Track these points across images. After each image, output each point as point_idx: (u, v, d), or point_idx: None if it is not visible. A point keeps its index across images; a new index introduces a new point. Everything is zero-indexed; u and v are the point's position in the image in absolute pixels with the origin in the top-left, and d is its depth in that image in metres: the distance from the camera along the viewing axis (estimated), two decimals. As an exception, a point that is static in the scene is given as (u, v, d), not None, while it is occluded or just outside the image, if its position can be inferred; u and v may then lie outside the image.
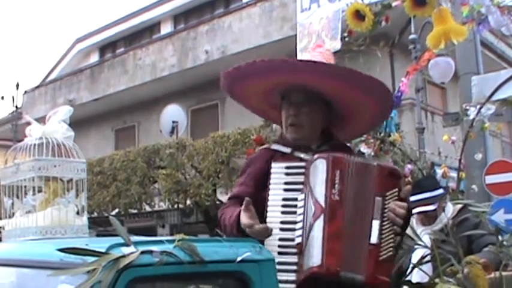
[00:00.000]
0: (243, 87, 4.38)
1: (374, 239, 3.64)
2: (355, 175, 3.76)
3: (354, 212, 3.72)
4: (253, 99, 4.48)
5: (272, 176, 3.95)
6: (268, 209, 3.88)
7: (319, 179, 3.78)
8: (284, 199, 3.86)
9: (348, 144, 4.82)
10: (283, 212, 3.84)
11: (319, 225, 3.71)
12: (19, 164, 3.89)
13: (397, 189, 3.73)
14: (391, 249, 3.66)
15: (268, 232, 3.66)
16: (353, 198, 3.74)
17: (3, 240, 3.96)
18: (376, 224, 3.67)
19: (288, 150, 4.16)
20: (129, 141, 26.79)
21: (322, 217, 3.71)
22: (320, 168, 3.81)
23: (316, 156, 3.88)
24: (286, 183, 3.90)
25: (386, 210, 3.68)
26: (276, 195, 3.90)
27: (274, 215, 3.86)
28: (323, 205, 3.73)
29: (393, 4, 6.25)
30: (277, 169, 3.96)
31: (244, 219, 3.70)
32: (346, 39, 7.08)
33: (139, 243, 2.94)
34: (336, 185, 3.74)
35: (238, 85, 4.38)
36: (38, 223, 3.75)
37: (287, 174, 3.92)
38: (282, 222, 3.81)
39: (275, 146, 4.29)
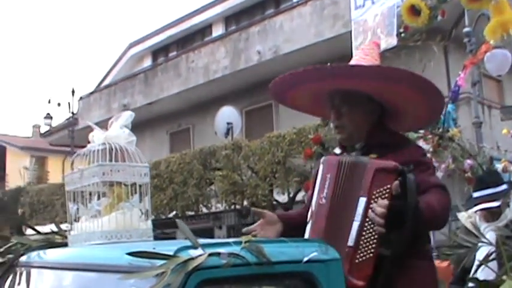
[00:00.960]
0: (290, 96, 4.49)
1: (351, 241, 3.64)
2: (345, 177, 3.81)
3: (338, 215, 3.76)
4: (305, 103, 4.53)
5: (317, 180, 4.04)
6: (309, 212, 4.00)
7: (317, 183, 3.93)
8: None
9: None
10: None
11: (308, 229, 3.86)
12: (83, 169, 3.92)
13: (388, 186, 3.65)
14: (371, 251, 3.61)
15: None
16: (339, 200, 3.79)
17: (69, 245, 4.00)
18: (355, 225, 3.66)
19: (339, 152, 4.24)
20: (184, 144, 26.91)
21: (311, 221, 3.87)
22: (319, 172, 3.95)
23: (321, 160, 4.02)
24: None
25: (371, 211, 3.64)
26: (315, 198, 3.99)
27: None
28: (313, 209, 3.88)
29: (449, -3, 6.20)
30: (319, 174, 4.05)
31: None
32: (402, 35, 7.03)
33: (207, 245, 2.95)
34: (325, 189, 3.83)
35: (283, 95, 4.49)
36: (103, 227, 3.79)
37: None
38: None
39: (336, 149, 4.36)
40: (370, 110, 4.12)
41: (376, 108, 4.14)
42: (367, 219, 3.63)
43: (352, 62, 4.26)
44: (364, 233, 3.63)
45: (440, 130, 8.23)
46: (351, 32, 7.75)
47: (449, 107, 8.44)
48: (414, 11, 6.07)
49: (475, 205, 6.00)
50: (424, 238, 3.92)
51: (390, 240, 3.60)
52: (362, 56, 4.30)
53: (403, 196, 3.60)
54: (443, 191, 3.86)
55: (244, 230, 4.07)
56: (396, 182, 3.62)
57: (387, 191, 3.64)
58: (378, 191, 3.66)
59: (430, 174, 3.94)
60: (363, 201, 3.66)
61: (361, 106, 4.11)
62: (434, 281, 4.00)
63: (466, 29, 16.53)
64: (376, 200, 3.63)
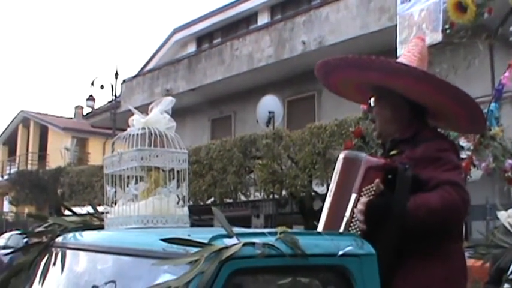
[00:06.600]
0: (332, 82, 4.48)
1: None
2: (345, 173, 3.88)
3: (336, 210, 3.84)
4: (349, 90, 4.51)
5: None
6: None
7: None
8: None
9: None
10: None
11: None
12: (122, 153, 3.94)
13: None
14: None
15: None
16: (338, 195, 3.88)
17: (106, 228, 4.02)
18: (344, 220, 3.73)
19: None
20: (225, 131, 26.90)
21: (322, 215, 3.97)
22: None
23: None
24: None
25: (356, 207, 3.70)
26: None
27: None
28: (325, 203, 3.99)
29: (496, -5, 6.13)
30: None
31: None
32: (448, 31, 6.95)
33: (242, 234, 2.95)
34: (333, 183, 3.94)
35: (329, 78, 4.45)
36: (139, 212, 3.80)
37: None
38: None
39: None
40: (397, 105, 4.07)
41: (405, 104, 4.06)
42: (354, 215, 3.69)
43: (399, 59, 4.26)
44: (350, 229, 3.69)
45: (482, 128, 8.12)
46: (396, 26, 7.70)
47: (492, 105, 8.33)
48: (461, 7, 6.01)
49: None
50: (432, 237, 3.70)
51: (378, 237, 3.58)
52: (405, 52, 4.31)
53: (389, 194, 3.62)
54: (453, 188, 3.65)
55: None
56: (377, 180, 3.65)
57: (374, 188, 3.68)
58: (366, 188, 3.70)
59: (444, 171, 3.74)
60: (353, 197, 3.73)
61: (388, 100, 4.09)
62: (438, 283, 3.78)
63: (513, 27, 16.32)
64: (363, 196, 3.69)
